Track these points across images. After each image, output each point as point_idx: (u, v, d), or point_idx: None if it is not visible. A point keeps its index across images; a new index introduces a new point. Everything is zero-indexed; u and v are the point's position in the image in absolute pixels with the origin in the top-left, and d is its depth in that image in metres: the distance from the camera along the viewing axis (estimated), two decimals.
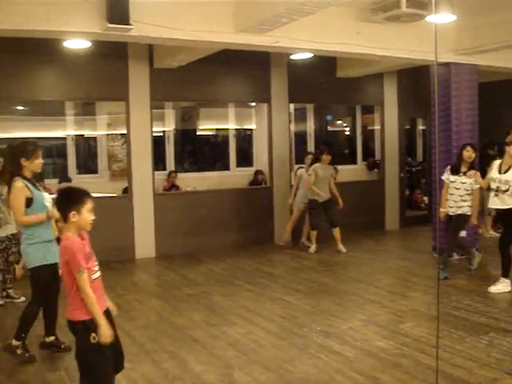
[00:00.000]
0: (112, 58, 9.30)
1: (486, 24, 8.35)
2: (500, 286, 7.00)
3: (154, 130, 10.14)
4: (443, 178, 7.92)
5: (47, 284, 5.16)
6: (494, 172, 7.26)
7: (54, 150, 11.45)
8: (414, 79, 11.45)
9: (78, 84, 9.35)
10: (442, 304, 6.55)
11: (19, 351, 5.13)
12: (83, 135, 11.23)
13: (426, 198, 13.46)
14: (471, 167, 7.79)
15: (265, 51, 8.81)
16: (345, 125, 15.33)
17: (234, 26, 7.19)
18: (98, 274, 3.81)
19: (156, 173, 10.13)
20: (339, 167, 12.79)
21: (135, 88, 9.70)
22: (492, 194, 7.25)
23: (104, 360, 3.65)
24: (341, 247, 9.77)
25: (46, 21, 6.23)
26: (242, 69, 10.46)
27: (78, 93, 9.54)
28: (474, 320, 5.96)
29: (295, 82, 11.03)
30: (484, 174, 7.73)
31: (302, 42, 7.67)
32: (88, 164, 11.59)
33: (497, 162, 7.33)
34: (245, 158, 12.00)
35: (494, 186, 7.19)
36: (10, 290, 7.15)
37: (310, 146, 13.00)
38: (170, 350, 5.44)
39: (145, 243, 9.52)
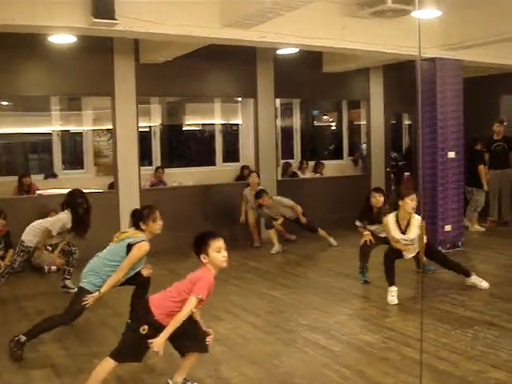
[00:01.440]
0: (98, 52, 9.25)
1: (471, 19, 8.39)
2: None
3: (140, 125, 10.11)
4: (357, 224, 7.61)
5: (80, 305, 5.20)
6: (394, 232, 6.67)
7: (40, 146, 11.41)
8: (400, 74, 11.48)
9: (63, 79, 9.30)
10: (427, 298, 6.60)
11: (17, 350, 5.12)
12: (69, 130, 11.19)
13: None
14: (379, 212, 7.36)
15: (251, 46, 8.80)
16: (331, 120, 15.38)
17: (219, 21, 7.18)
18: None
19: (142, 168, 10.11)
20: (325, 162, 12.88)
21: (121, 83, 9.66)
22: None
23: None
24: (332, 241, 9.84)
25: (31, 16, 6.19)
26: (228, 64, 10.44)
27: (64, 88, 9.49)
28: (459, 313, 6.01)
29: (281, 77, 11.03)
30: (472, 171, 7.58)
31: (287, 37, 7.67)
32: (74, 159, 11.55)
33: (391, 219, 6.72)
34: (231, 154, 12.00)
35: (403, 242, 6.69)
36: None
37: (297, 142, 13.05)
38: None
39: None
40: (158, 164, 11.27)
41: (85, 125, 10.96)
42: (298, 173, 12.50)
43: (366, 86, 12.40)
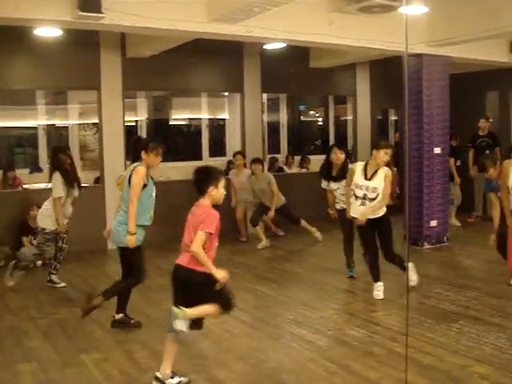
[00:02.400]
0: (84, 46, 9.18)
1: (458, 16, 8.42)
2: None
3: (126, 119, 10.07)
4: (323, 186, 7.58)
5: (139, 263, 5.70)
6: (358, 177, 6.48)
7: (25, 140, 11.33)
8: (387, 70, 11.50)
9: (49, 73, 9.23)
10: (413, 293, 6.63)
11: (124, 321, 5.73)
12: (54, 125, 11.13)
13: (397, 188, 13.56)
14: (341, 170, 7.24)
15: (238, 41, 8.78)
16: (317, 115, 15.40)
17: (206, 16, 7.16)
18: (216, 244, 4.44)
19: (128, 162, 10.06)
20: (312, 157, 12.88)
21: (107, 77, 9.61)
22: (358, 202, 6.50)
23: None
24: (317, 234, 9.82)
25: (16, 8, 6.13)
26: (214, 58, 10.41)
27: (49, 82, 9.43)
28: (444, 308, 6.05)
29: (268, 72, 11.03)
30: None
31: (274, 32, 7.66)
32: None
33: (360, 165, 6.58)
34: (218, 148, 11.99)
35: (359, 193, 6.46)
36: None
37: (283, 136, 13.05)
38: (143, 340, 5.43)
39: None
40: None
41: (71, 119, 10.90)
42: (285, 168, 12.51)
43: (353, 81, 12.42)
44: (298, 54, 10.80)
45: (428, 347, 5.05)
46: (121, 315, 5.77)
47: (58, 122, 11.11)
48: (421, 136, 9.22)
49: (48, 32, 7.91)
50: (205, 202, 4.36)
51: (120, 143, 9.70)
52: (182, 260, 4.43)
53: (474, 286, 6.57)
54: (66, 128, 11.07)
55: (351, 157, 7.57)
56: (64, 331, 5.72)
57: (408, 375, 4.13)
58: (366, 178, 6.44)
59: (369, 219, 6.44)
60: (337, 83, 12.40)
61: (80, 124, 10.99)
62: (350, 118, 13.04)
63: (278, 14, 7.18)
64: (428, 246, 9.30)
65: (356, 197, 6.50)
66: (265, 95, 11.78)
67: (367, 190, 6.41)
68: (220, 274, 4.28)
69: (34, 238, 8.42)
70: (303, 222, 9.85)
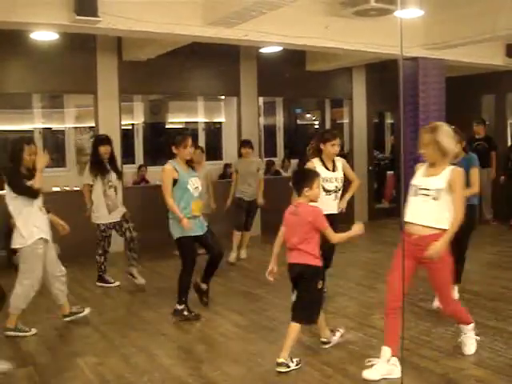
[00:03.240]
0: (80, 50, 9.19)
1: (454, 19, 8.45)
2: None
3: (122, 123, 10.06)
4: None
5: (189, 252, 6.12)
6: (323, 172, 6.13)
7: None
8: (383, 73, 11.53)
9: (45, 76, 9.23)
10: (409, 295, 6.60)
11: (185, 313, 6.04)
12: (51, 128, 11.11)
13: (394, 191, 13.60)
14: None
15: (234, 44, 8.80)
16: (314, 118, 15.41)
17: (202, 19, 7.18)
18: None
19: (125, 166, 10.06)
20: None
21: (103, 81, 9.61)
22: (331, 196, 6.36)
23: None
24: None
25: (13, 12, 6.15)
26: (211, 62, 10.42)
27: (46, 85, 9.42)
28: (440, 311, 6.03)
29: (264, 76, 11.04)
30: None
31: (270, 36, 7.69)
32: (56, 157, 11.47)
33: (316, 161, 6.36)
34: (214, 152, 11.98)
35: (330, 186, 6.31)
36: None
37: (280, 140, 13.05)
38: (139, 344, 5.42)
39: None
40: (141, 162, 11.22)
41: (67, 123, 10.89)
42: (281, 171, 12.51)
43: (349, 84, 12.43)
44: (295, 57, 10.82)
45: (424, 350, 5.05)
46: (182, 306, 6.10)
47: (55, 126, 11.09)
48: (417, 139, 9.20)
49: (44, 36, 7.92)
50: (304, 201, 4.76)
51: (116, 147, 9.62)
52: (296, 258, 4.85)
53: (470, 289, 6.57)
54: (62, 132, 11.05)
55: (349, 159, 7.46)
56: (60, 335, 5.71)
57: (404, 378, 4.13)
58: (329, 170, 6.37)
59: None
60: (333, 86, 12.41)
61: (76, 128, 10.98)
62: (346, 121, 13.05)
63: (274, 18, 7.20)
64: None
65: (327, 191, 6.29)
66: (261, 99, 11.79)
67: (336, 181, 6.38)
68: (357, 227, 4.73)
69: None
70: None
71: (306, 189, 4.72)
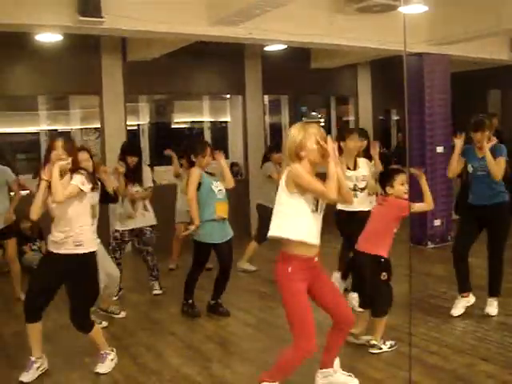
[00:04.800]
0: (85, 51, 9.20)
1: (458, 14, 8.41)
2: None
3: (128, 123, 10.06)
4: None
5: (201, 256, 6.18)
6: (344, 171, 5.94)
7: (28, 146, 11.33)
8: (388, 70, 11.50)
9: (50, 78, 9.25)
10: (417, 292, 6.61)
11: (185, 308, 6.23)
12: (57, 130, 11.12)
13: None
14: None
15: (238, 43, 8.79)
16: (319, 116, 15.38)
17: (207, 18, 7.17)
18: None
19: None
20: None
21: (108, 81, 9.63)
22: None
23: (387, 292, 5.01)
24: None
25: (16, 14, 6.15)
26: (215, 61, 10.42)
27: (51, 87, 9.45)
28: (449, 307, 6.01)
29: (269, 74, 11.03)
30: None
31: (275, 34, 7.68)
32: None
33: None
34: (220, 151, 11.95)
35: (349, 185, 5.94)
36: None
37: (286, 137, 13.00)
38: (148, 343, 5.43)
39: None
40: (147, 162, 11.21)
41: (72, 124, 10.89)
42: None
43: (354, 81, 12.41)
44: (299, 54, 10.79)
45: (433, 347, 5.04)
46: (213, 301, 6.29)
47: (60, 127, 11.10)
48: (423, 135, 9.22)
49: (49, 37, 7.92)
50: (388, 197, 5.01)
51: None
52: (366, 248, 5.00)
53: (478, 285, 6.54)
54: (68, 133, 11.05)
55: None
56: (68, 335, 5.70)
57: (413, 375, 4.12)
58: (350, 169, 6.31)
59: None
60: (338, 84, 12.40)
61: (82, 129, 10.98)
62: (352, 118, 13.03)
63: (278, 16, 7.18)
64: (432, 246, 9.29)
65: None
66: (266, 97, 11.77)
67: (357, 180, 6.31)
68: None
69: (33, 244, 8.47)
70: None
71: (388, 187, 4.96)
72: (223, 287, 6.29)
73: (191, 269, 6.25)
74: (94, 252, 4.69)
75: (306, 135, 3.86)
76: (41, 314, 4.69)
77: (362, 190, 6.31)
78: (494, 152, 5.62)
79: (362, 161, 6.48)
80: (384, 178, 5.10)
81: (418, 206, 5.06)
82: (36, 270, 4.87)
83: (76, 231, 4.54)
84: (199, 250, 6.17)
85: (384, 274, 4.90)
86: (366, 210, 6.06)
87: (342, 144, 6.22)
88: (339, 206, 6.28)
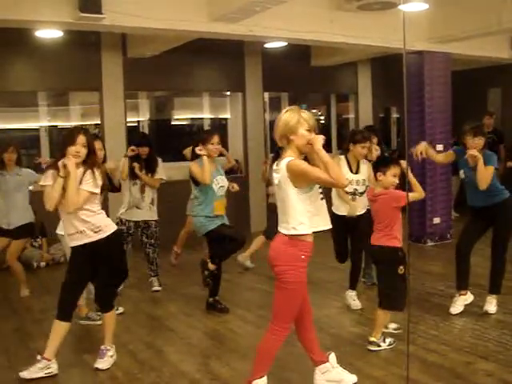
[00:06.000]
0: (85, 47, 9.19)
1: (459, 12, 8.40)
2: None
3: (128, 120, 10.06)
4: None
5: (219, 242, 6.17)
6: (345, 171, 6.05)
7: (27, 142, 11.32)
8: (388, 67, 11.49)
9: (50, 74, 9.25)
10: (416, 290, 6.63)
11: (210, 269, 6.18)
12: (56, 126, 11.11)
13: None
14: None
15: (239, 40, 8.79)
16: (319, 113, 15.37)
17: (207, 15, 7.16)
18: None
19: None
20: None
21: (108, 78, 9.62)
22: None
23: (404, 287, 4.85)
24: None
25: (16, 10, 6.15)
26: (215, 58, 10.41)
27: (51, 83, 9.45)
28: (448, 305, 6.02)
29: (270, 71, 11.02)
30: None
31: (275, 31, 7.66)
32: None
33: (343, 159, 6.21)
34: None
35: (349, 188, 6.11)
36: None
37: None
38: (147, 340, 5.44)
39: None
40: None
41: (72, 120, 10.88)
42: None
43: (355, 79, 12.41)
44: (300, 52, 10.79)
45: (432, 344, 5.05)
46: (211, 299, 6.31)
47: (60, 124, 11.09)
48: (423, 133, 9.21)
49: (49, 33, 7.92)
50: (376, 191, 5.07)
51: (122, 144, 9.69)
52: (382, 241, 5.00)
53: (477, 283, 6.55)
54: (68, 129, 11.05)
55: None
56: (68, 332, 5.71)
57: (412, 373, 4.13)
58: (352, 172, 6.21)
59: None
60: (338, 81, 12.39)
61: (82, 125, 10.97)
62: (352, 116, 13.03)
63: (279, 13, 7.18)
64: (431, 243, 9.30)
65: (346, 193, 6.18)
66: (266, 94, 11.77)
67: (357, 184, 6.21)
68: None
69: (35, 241, 8.47)
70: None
71: (379, 174, 5.00)
72: (218, 283, 6.30)
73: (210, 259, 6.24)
74: (115, 232, 4.76)
75: (299, 120, 3.91)
76: (73, 312, 4.80)
77: (362, 194, 6.21)
78: (485, 160, 5.63)
79: (363, 166, 6.28)
80: (380, 164, 5.10)
81: (411, 196, 5.06)
82: (68, 268, 4.85)
83: (90, 220, 4.58)
84: (213, 239, 6.23)
85: (401, 267, 4.88)
86: (362, 213, 6.17)
87: (351, 146, 6.18)
88: (337, 212, 6.28)
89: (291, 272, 3.85)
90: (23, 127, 10.63)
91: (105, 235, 4.63)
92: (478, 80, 12.17)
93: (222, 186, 6.18)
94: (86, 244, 4.59)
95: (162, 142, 12.39)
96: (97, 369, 4.71)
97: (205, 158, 5.97)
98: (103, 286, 4.80)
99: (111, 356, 4.81)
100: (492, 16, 7.94)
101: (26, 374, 4.54)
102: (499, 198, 5.71)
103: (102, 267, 4.70)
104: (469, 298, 5.97)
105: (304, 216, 3.84)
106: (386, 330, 5.16)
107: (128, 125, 10.07)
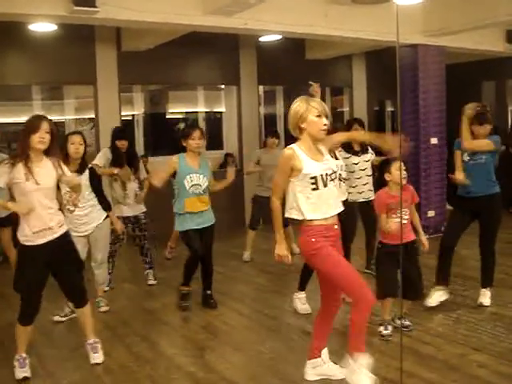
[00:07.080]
0: (79, 41, 9.17)
1: (453, 5, 8.41)
2: None
3: (122, 113, 10.05)
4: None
5: (191, 243, 5.99)
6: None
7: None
8: (383, 61, 11.48)
9: (44, 68, 9.22)
10: None
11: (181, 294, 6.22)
12: (51, 120, 11.08)
13: None
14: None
15: (233, 33, 8.78)
16: None
17: (202, 9, 7.15)
18: (398, 220, 5.01)
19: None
20: None
21: (103, 71, 9.61)
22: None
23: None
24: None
25: (10, 3, 6.13)
26: (210, 51, 10.40)
27: (45, 77, 9.42)
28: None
29: (264, 64, 11.03)
30: None
31: (270, 24, 7.66)
32: None
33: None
34: (215, 141, 11.95)
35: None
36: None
37: (280, 129, 13.01)
38: (142, 333, 5.45)
39: None
40: (142, 153, 11.19)
41: (67, 114, 10.86)
42: None
43: (349, 72, 12.42)
44: (294, 45, 10.79)
45: (426, 337, 5.07)
46: (203, 292, 6.27)
47: (55, 117, 11.05)
48: (417, 127, 9.23)
49: (43, 27, 7.90)
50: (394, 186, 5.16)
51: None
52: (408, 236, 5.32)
53: (471, 276, 6.58)
54: (62, 123, 11.02)
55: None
56: (63, 326, 5.73)
57: (406, 365, 4.15)
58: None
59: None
60: (333, 74, 12.39)
61: (76, 119, 10.95)
62: (346, 109, 13.04)
63: (273, 6, 7.18)
64: (426, 237, 9.28)
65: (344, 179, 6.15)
66: (261, 87, 11.77)
67: (341, 169, 6.07)
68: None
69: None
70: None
71: (387, 174, 5.18)
72: (207, 277, 6.26)
73: (188, 257, 6.19)
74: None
75: (308, 108, 4.00)
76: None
77: (345, 180, 6.18)
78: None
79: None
80: (384, 167, 5.30)
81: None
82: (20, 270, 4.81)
83: (58, 215, 4.57)
84: (186, 240, 6.10)
85: (418, 257, 5.25)
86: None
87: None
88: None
89: (313, 259, 4.10)
90: (18, 121, 10.60)
91: (66, 228, 4.59)
92: (473, 73, 12.19)
93: (196, 185, 5.96)
94: (47, 242, 4.45)
95: (157, 135, 12.38)
96: (96, 364, 4.71)
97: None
98: (73, 282, 4.65)
99: (101, 348, 4.81)
100: (487, 9, 7.95)
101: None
102: (494, 190, 5.73)
103: (65, 264, 4.58)
104: (444, 295, 5.92)
105: (295, 202, 3.98)
106: (394, 324, 5.20)
107: (122, 118, 10.05)
